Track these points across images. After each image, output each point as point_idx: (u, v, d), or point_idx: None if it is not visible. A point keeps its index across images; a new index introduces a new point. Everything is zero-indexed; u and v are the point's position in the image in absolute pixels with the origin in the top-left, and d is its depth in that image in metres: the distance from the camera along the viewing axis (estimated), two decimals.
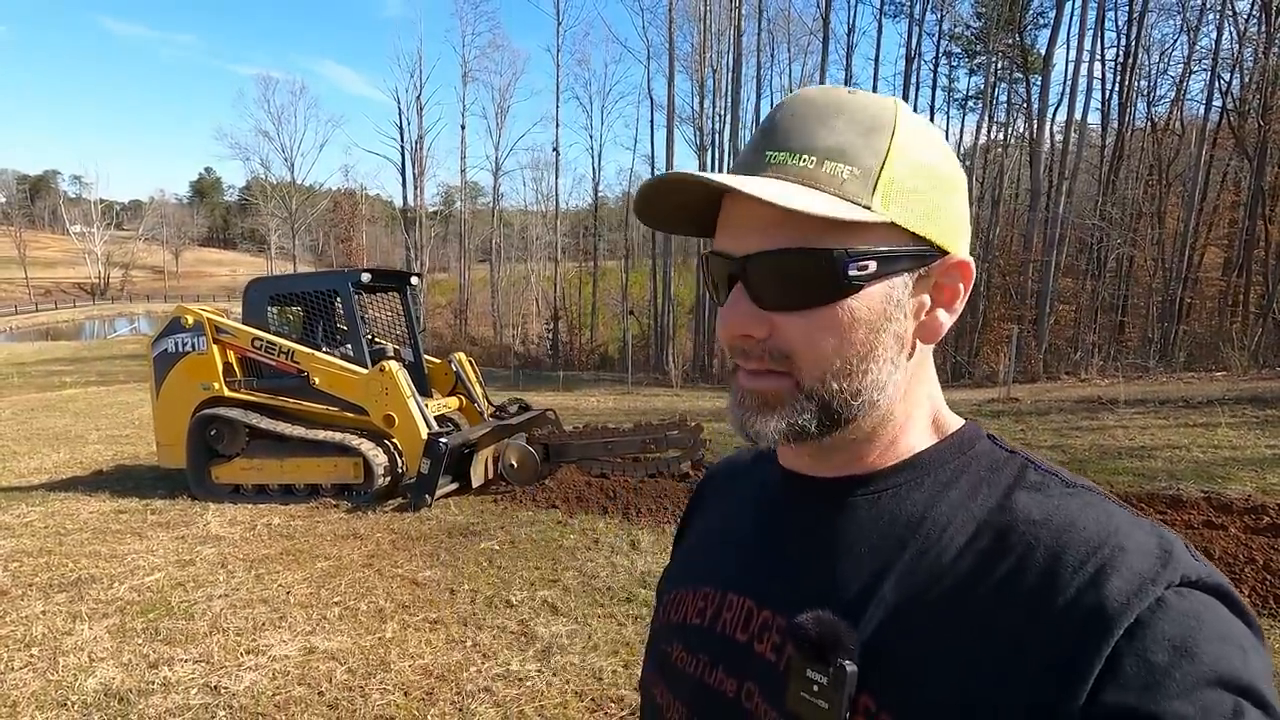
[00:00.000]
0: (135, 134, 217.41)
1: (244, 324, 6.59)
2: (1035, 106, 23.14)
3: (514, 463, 6.29)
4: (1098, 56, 23.47)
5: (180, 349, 6.49)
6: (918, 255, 0.52)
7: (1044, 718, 0.42)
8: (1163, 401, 10.51)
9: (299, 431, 6.26)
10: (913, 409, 0.57)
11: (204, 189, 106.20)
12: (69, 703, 3.06)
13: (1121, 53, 22.99)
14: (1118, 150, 23.13)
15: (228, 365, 6.51)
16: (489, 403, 7.39)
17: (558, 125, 31.69)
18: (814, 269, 0.50)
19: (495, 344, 31.36)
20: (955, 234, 0.54)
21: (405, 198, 37.17)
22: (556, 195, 34.64)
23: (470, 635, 3.62)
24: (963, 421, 0.59)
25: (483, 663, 3.34)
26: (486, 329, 34.95)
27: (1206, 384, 12.29)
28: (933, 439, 0.57)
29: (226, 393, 6.43)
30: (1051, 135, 22.59)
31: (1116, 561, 0.44)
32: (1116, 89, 23.42)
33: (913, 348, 0.55)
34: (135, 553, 4.97)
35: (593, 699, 3.02)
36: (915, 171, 0.52)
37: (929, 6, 26.35)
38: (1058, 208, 20.75)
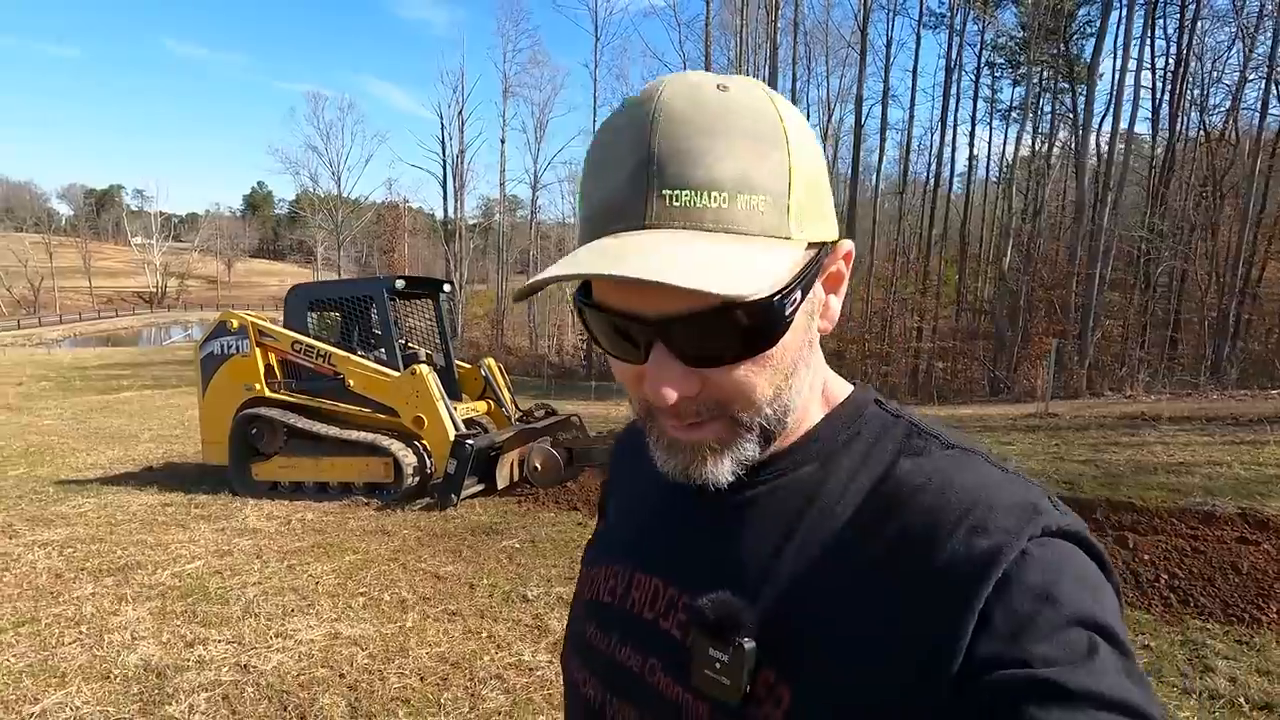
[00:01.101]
0: (193, 149, 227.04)
1: (285, 328, 6.90)
2: (1080, 117, 22.71)
3: (538, 465, 6.43)
4: (1146, 65, 22.89)
5: (225, 351, 6.82)
6: (820, 259, 0.51)
7: (930, 677, 0.43)
8: (1210, 419, 10.17)
9: (334, 432, 6.50)
10: (812, 391, 0.57)
11: (256, 202, 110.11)
12: (112, 675, 3.27)
13: (1172, 61, 22.43)
14: (1168, 161, 22.48)
15: (269, 367, 6.81)
16: (516, 407, 7.56)
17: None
18: (754, 321, 0.46)
19: (531, 354, 31.81)
20: (834, 222, 0.52)
21: (446, 211, 38.10)
22: None
23: (486, 627, 3.74)
24: (851, 387, 0.60)
25: (496, 652, 3.46)
26: (523, 339, 35.48)
27: (1259, 402, 11.82)
28: (825, 409, 0.58)
29: (267, 393, 6.73)
30: (1098, 146, 22.06)
31: (986, 521, 0.46)
32: (1167, 98, 22.82)
33: (815, 341, 0.55)
34: (178, 542, 5.23)
35: None
36: (812, 179, 0.49)
37: (969, 16, 26.13)
38: (1102, 220, 20.23)
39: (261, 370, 6.74)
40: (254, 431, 6.66)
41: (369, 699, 3.07)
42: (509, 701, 3.03)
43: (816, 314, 0.53)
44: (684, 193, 0.44)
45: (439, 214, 42.83)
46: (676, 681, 0.53)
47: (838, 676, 0.47)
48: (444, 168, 37.06)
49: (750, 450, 0.52)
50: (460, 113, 36.40)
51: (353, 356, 6.68)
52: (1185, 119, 22.87)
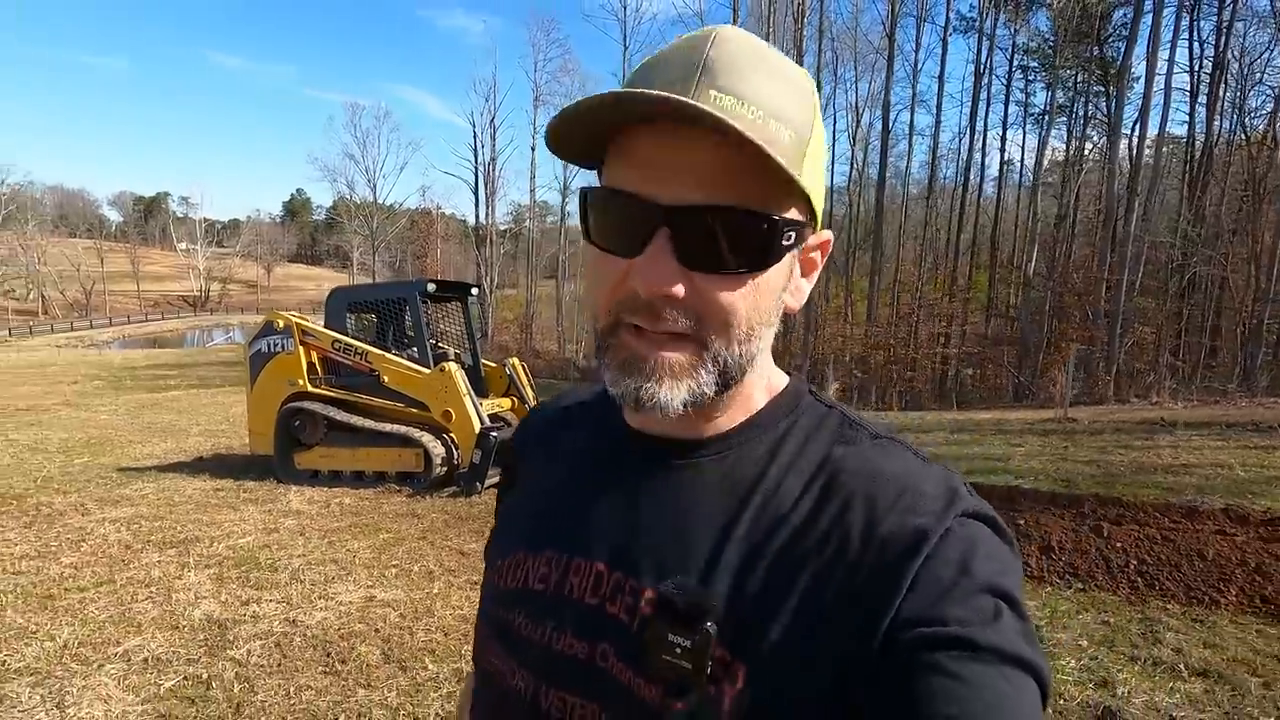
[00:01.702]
0: (236, 157, 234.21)
1: (326, 328, 7.45)
2: (1112, 121, 22.49)
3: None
4: (1183, 68, 22.57)
5: (272, 349, 7.40)
6: (810, 228, 0.54)
7: (865, 640, 0.48)
8: (1229, 425, 10.20)
9: (369, 424, 7.02)
10: (761, 372, 0.60)
11: (295, 209, 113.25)
12: (180, 626, 3.77)
13: (1209, 64, 22.09)
14: (1205, 166, 22.10)
15: (311, 364, 7.37)
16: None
17: None
18: (754, 233, 0.49)
19: (559, 357, 32.36)
20: (822, 205, 0.55)
21: (477, 216, 39.03)
22: None
23: None
24: (788, 378, 0.63)
25: None
26: (551, 343, 36.07)
27: None
28: (767, 397, 0.61)
29: (309, 389, 7.28)
30: (1129, 150, 21.79)
31: (916, 504, 0.51)
32: (1205, 102, 22.47)
33: (782, 315, 0.57)
34: (230, 521, 5.77)
35: None
36: (820, 150, 0.53)
37: (1000, 20, 26.04)
38: (1129, 226, 20.05)
39: (304, 367, 7.29)
40: (297, 424, 7.21)
41: (400, 649, 3.51)
42: None
43: (790, 287, 0.56)
44: (727, 98, 0.47)
45: (470, 220, 43.76)
46: (629, 666, 0.53)
47: (787, 649, 0.50)
48: (475, 175, 37.98)
49: (708, 385, 0.52)
50: (492, 121, 37.30)
51: (387, 355, 7.20)
52: (1222, 122, 22.51)
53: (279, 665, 3.36)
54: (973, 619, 0.46)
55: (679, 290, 0.49)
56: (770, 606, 0.51)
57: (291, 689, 3.14)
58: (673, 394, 0.51)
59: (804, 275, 0.58)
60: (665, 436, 0.59)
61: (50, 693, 3.08)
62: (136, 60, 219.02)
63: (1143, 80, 21.14)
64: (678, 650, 0.50)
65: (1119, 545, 4.44)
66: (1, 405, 14.91)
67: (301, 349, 7.32)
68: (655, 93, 0.45)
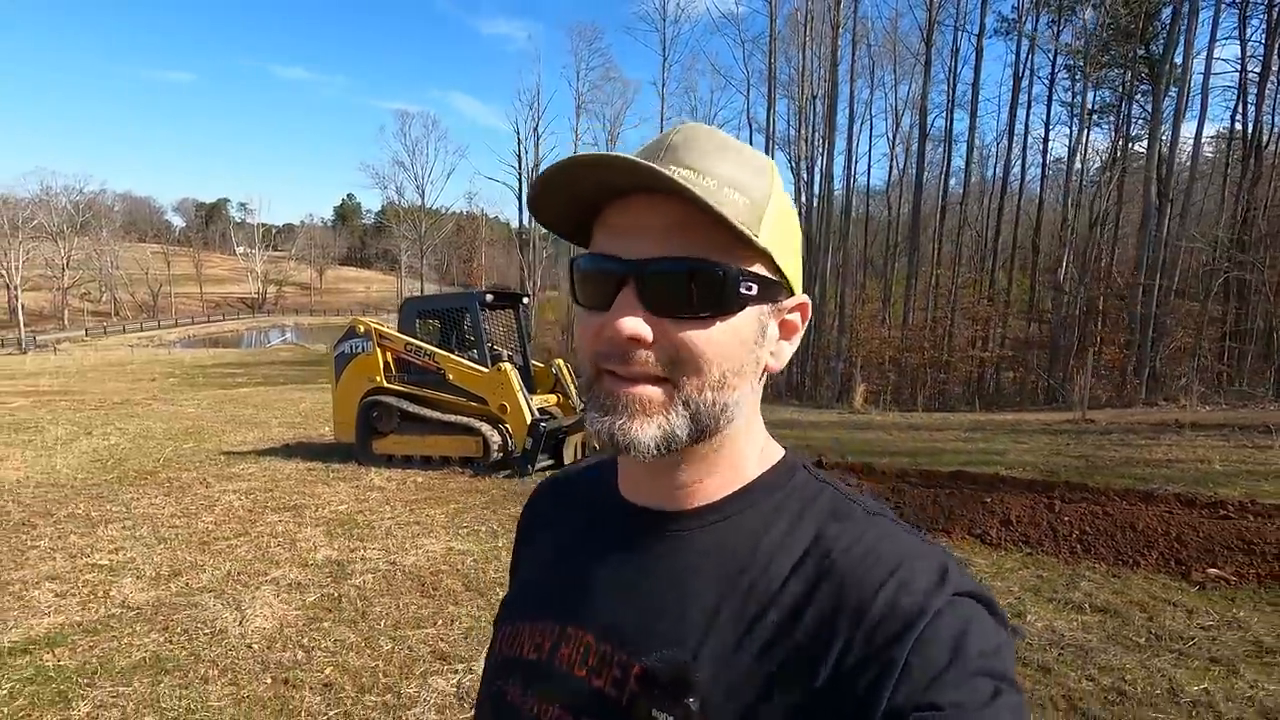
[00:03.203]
0: (291, 163, 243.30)
1: (399, 332, 8.65)
2: (1153, 121, 22.47)
3: (597, 446, 7.89)
4: (1233, 66, 22.27)
5: (354, 351, 8.63)
6: (779, 287, 0.57)
7: None
8: (1242, 427, 10.51)
9: (436, 415, 8.18)
10: (751, 438, 0.61)
11: (345, 213, 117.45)
12: (308, 564, 4.92)
13: (1258, 64, 21.84)
14: (1254, 168, 21.78)
15: (386, 364, 8.57)
16: (581, 400, 9.07)
17: None
18: (711, 280, 0.52)
19: None
20: (799, 277, 0.60)
21: (521, 221, 40.48)
22: None
23: None
24: (783, 451, 0.64)
25: None
26: None
27: None
28: (761, 468, 0.62)
29: (385, 384, 8.47)
30: (1170, 152, 21.70)
31: (907, 583, 0.51)
32: (1255, 102, 22.16)
33: (763, 373, 0.59)
34: (326, 493, 6.97)
35: None
36: (784, 216, 0.58)
37: (1041, 21, 26.09)
38: (1162, 230, 20.18)
39: (381, 366, 8.50)
40: (375, 415, 8.41)
41: (477, 582, 4.59)
42: None
43: (767, 345, 0.58)
44: (687, 170, 0.53)
45: (514, 223, 45.34)
46: None
47: None
48: (520, 181, 39.47)
49: (680, 427, 0.54)
50: (536, 128, 38.76)
51: (451, 356, 8.36)
52: (1274, 119, 22.15)
53: (387, 589, 4.46)
54: (968, 702, 0.46)
55: (646, 333, 0.53)
56: (758, 689, 0.51)
57: (399, 605, 4.23)
58: (644, 430, 0.53)
59: (784, 337, 0.60)
60: (656, 509, 0.61)
61: (229, 602, 4.23)
62: (202, 74, 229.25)
63: (1194, 78, 21.01)
64: None
65: (1066, 519, 5.26)
66: (101, 400, 16.68)
67: (379, 350, 8.52)
68: (623, 156, 0.51)
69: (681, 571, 0.58)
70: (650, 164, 0.50)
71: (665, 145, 0.55)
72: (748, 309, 0.55)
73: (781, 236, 0.57)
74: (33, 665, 3.45)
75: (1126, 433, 10.78)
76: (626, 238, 0.54)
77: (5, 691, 3.20)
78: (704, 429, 0.55)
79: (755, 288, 0.55)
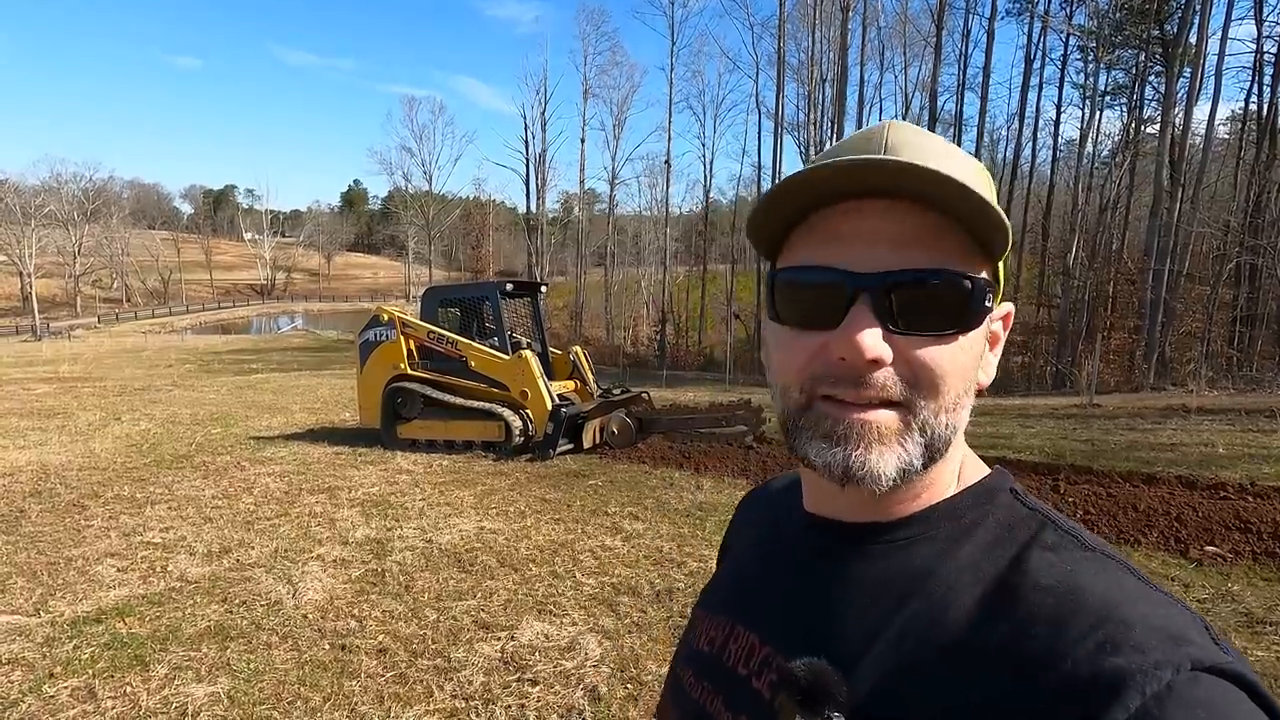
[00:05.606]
0: (298, 149, 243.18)
1: (421, 321, 8.89)
2: (1166, 103, 22.37)
3: (615, 430, 8.18)
4: (1249, 46, 22.10)
5: (378, 339, 8.88)
6: (991, 299, 0.52)
7: None
8: (1248, 412, 10.66)
9: (459, 401, 8.45)
10: (953, 455, 0.55)
11: (352, 199, 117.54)
12: (349, 542, 5.20)
13: (1277, 45, 21.64)
14: (1269, 150, 21.64)
15: (410, 351, 8.82)
16: (598, 386, 9.34)
17: (669, 140, 33.80)
18: (960, 294, 0.49)
19: (607, 344, 33.69)
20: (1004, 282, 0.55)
21: (528, 206, 40.60)
22: (667, 205, 36.86)
23: (579, 526, 5.49)
24: (988, 470, 0.58)
25: (587, 540, 5.19)
26: (599, 330, 37.45)
27: None
28: (958, 486, 0.56)
29: (409, 371, 8.73)
30: (1182, 135, 21.58)
31: (1121, 638, 0.41)
32: (1271, 83, 21.98)
33: (974, 388, 0.54)
34: (357, 476, 7.26)
35: (654, 560, 4.79)
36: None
37: (1052, 2, 25.88)
38: (1174, 214, 20.17)
39: (404, 353, 8.75)
40: (399, 400, 8.68)
41: (510, 557, 4.86)
42: (596, 564, 4.75)
43: (981, 359, 0.53)
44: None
45: (521, 208, 45.51)
46: None
47: None
48: (527, 166, 39.52)
49: (916, 457, 0.50)
50: (543, 113, 38.74)
51: (473, 343, 8.61)
52: None
53: (426, 565, 4.74)
54: None
55: (886, 354, 0.48)
56: (913, 718, 0.47)
57: (439, 579, 4.50)
58: (883, 460, 0.49)
59: (992, 350, 0.56)
60: (838, 520, 0.57)
61: (280, 576, 4.52)
62: (208, 58, 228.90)
63: (1209, 59, 20.84)
64: None
65: (1070, 500, 5.48)
66: (122, 386, 17.06)
67: (402, 338, 8.77)
68: (894, 159, 0.46)
69: (851, 586, 0.54)
70: (934, 168, 0.45)
71: (884, 142, 0.51)
72: (983, 324, 0.52)
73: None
74: (108, 633, 3.74)
75: (1133, 417, 10.96)
76: (854, 247, 0.50)
77: (87, 655, 3.49)
78: (935, 454, 0.51)
79: (991, 299, 0.51)
